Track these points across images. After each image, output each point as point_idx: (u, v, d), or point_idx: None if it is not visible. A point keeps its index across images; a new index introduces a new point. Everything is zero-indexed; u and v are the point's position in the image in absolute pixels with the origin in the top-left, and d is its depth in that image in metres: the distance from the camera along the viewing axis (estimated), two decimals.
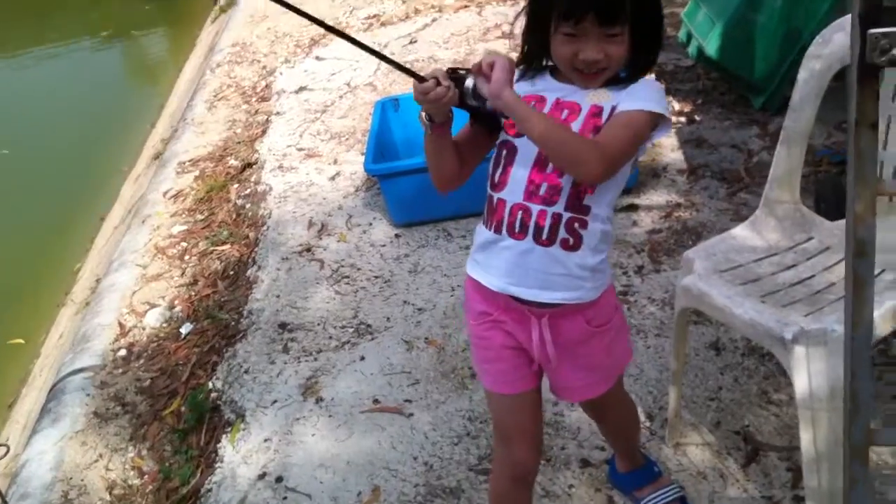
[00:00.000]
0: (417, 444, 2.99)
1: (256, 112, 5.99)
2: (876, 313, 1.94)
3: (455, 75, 1.93)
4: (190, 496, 3.00)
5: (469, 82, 1.91)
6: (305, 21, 1.98)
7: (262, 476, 2.99)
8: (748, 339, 3.07)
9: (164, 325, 3.91)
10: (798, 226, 2.67)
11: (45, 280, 5.41)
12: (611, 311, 2.15)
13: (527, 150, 1.96)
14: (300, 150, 5.24)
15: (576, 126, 1.94)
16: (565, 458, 2.83)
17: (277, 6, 2.00)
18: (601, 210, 1.99)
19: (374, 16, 7.34)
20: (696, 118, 4.75)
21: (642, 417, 2.87)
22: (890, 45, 1.38)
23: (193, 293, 4.08)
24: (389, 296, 3.77)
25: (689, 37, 5.07)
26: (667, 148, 4.49)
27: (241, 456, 3.10)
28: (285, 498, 2.89)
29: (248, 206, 4.74)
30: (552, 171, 1.95)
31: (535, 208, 1.97)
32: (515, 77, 2.02)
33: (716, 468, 2.72)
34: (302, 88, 6.16)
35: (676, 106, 4.90)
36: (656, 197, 4.13)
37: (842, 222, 2.63)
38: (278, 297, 3.90)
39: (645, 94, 1.95)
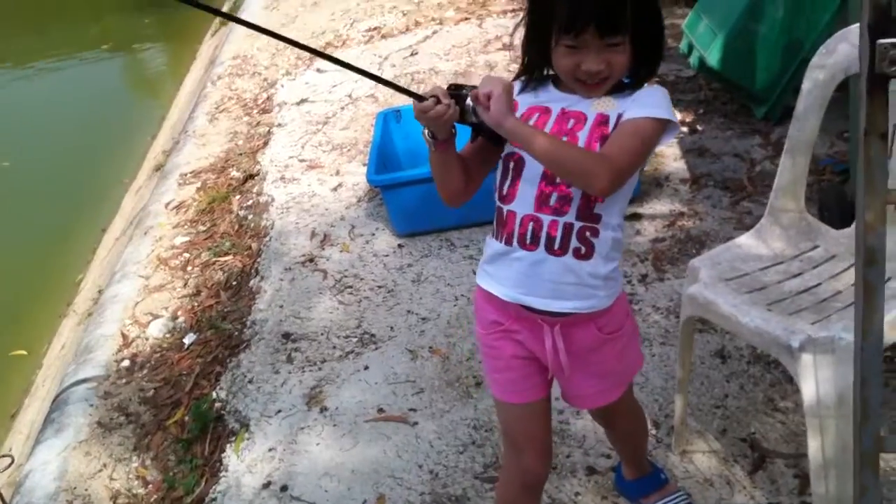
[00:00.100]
0: (422, 453, 2.99)
1: (258, 124, 6.00)
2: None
3: (455, 92, 1.92)
4: None
5: (470, 100, 1.91)
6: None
7: (266, 485, 2.99)
8: (753, 346, 3.08)
9: (168, 335, 3.91)
10: (803, 234, 2.67)
11: (46, 291, 5.41)
12: (623, 318, 2.15)
13: (534, 161, 1.95)
14: (302, 161, 5.24)
15: (582, 135, 1.94)
16: (571, 466, 2.82)
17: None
18: (612, 218, 1.99)
19: (375, 28, 7.35)
20: (699, 128, 4.76)
21: (648, 425, 2.86)
22: None
23: (196, 304, 4.08)
24: (393, 305, 3.77)
25: (691, 47, 5.08)
26: (669, 157, 4.50)
27: (245, 465, 3.09)
28: None
29: (250, 216, 4.75)
30: (562, 182, 1.94)
31: (547, 219, 1.96)
32: (518, 89, 2.03)
33: (722, 475, 2.71)
34: (303, 100, 6.17)
35: (679, 116, 4.91)
36: (659, 206, 4.14)
37: (847, 231, 2.63)
38: (281, 307, 3.89)
39: (651, 101, 1.95)
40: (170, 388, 3.57)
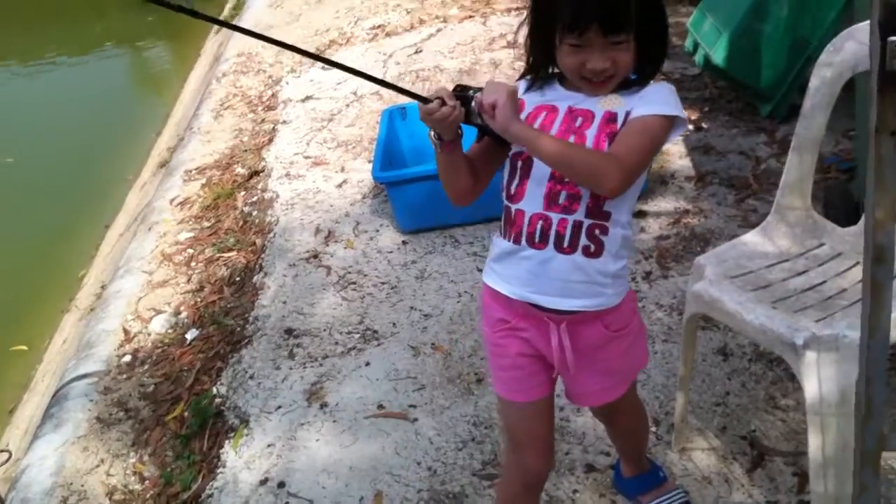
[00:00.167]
0: (421, 450, 2.98)
1: (263, 121, 5.99)
2: None
3: (461, 93, 1.91)
4: (191, 501, 2.98)
5: (474, 102, 1.90)
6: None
7: (264, 482, 2.97)
8: (756, 344, 3.07)
9: (170, 331, 3.90)
10: (809, 232, 2.65)
11: (48, 287, 5.40)
12: (629, 316, 2.14)
13: None
14: (307, 158, 5.23)
15: (591, 133, 1.92)
16: (570, 463, 2.80)
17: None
18: (621, 215, 1.98)
19: (379, 26, 7.34)
20: (704, 126, 4.74)
21: (649, 422, 2.85)
22: None
23: (199, 299, 4.07)
24: (396, 302, 3.76)
25: (696, 46, 5.06)
26: (675, 155, 4.49)
27: (243, 461, 3.08)
28: (287, 503, 2.87)
29: (254, 213, 4.74)
30: (570, 180, 1.93)
31: (556, 217, 1.95)
32: (523, 88, 2.03)
33: (721, 473, 2.70)
34: (308, 97, 6.16)
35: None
36: (664, 203, 4.12)
37: (853, 229, 2.62)
38: (284, 303, 3.88)
39: (659, 98, 1.94)
40: (170, 383, 3.56)
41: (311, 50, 6.96)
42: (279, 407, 3.28)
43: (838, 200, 3.52)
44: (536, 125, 1.96)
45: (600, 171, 1.84)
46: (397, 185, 4.16)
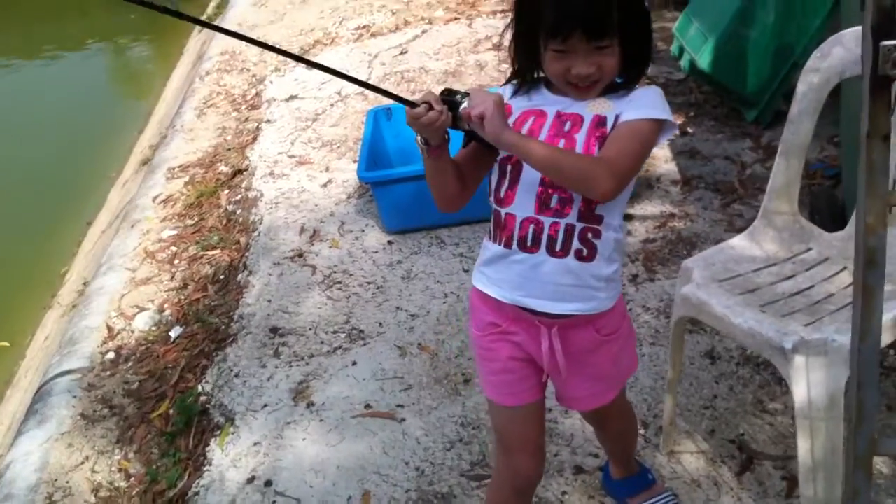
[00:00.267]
0: (409, 450, 2.97)
1: (247, 119, 5.97)
2: None
3: (448, 98, 1.90)
4: (177, 499, 2.96)
5: (461, 110, 1.88)
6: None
7: (250, 480, 2.96)
8: (743, 348, 3.08)
9: (153, 328, 3.88)
10: (796, 237, 2.67)
11: (30, 283, 5.37)
12: (620, 319, 2.14)
13: None
14: (291, 157, 5.22)
15: (580, 137, 1.92)
16: (559, 465, 2.81)
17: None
18: (613, 219, 1.97)
19: (364, 26, 7.33)
20: (689, 130, 4.77)
21: (638, 425, 2.85)
22: None
23: (183, 297, 4.05)
24: (382, 302, 3.75)
25: (681, 50, 5.09)
26: (660, 159, 4.50)
27: (230, 459, 3.06)
28: (274, 502, 2.86)
29: (238, 211, 4.72)
30: (562, 185, 1.93)
31: (547, 221, 1.95)
32: (510, 93, 2.02)
33: (710, 476, 2.71)
34: (292, 97, 6.15)
35: None
36: (650, 207, 4.13)
37: (840, 234, 2.64)
38: (270, 301, 3.87)
39: (647, 101, 1.94)
40: (155, 380, 3.54)
41: (295, 50, 6.95)
42: (265, 405, 3.27)
43: (824, 206, 3.55)
44: (525, 130, 1.96)
45: (592, 175, 1.84)
46: (383, 185, 4.15)
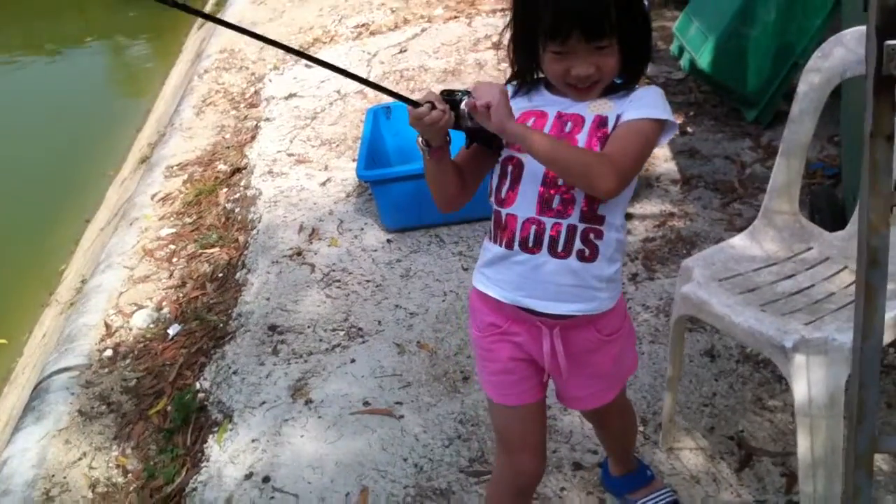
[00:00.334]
0: (407, 446, 2.97)
1: (245, 118, 5.96)
2: None
3: (449, 98, 1.89)
4: (174, 495, 2.96)
5: (465, 105, 1.87)
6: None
7: (248, 476, 2.96)
8: (743, 346, 3.08)
9: (152, 326, 3.87)
10: (797, 236, 2.66)
11: (28, 281, 5.36)
12: (621, 320, 2.13)
13: (534, 164, 1.92)
14: (290, 155, 5.21)
15: (581, 137, 1.91)
16: (557, 462, 2.80)
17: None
18: (615, 219, 1.97)
19: (364, 25, 7.32)
20: (689, 130, 4.76)
21: (638, 422, 2.85)
22: None
23: (181, 295, 4.05)
24: (381, 300, 3.75)
25: (681, 50, 5.09)
26: (660, 158, 4.50)
27: (227, 456, 3.06)
28: (272, 498, 2.86)
29: (237, 210, 4.71)
30: (563, 184, 1.92)
31: (549, 221, 1.94)
32: (510, 94, 2.00)
33: (709, 472, 2.70)
34: (291, 95, 6.14)
35: None
36: (650, 206, 4.13)
37: (840, 233, 2.64)
38: (268, 299, 3.86)
39: (649, 101, 1.93)
40: (153, 378, 3.53)
41: (294, 47, 6.93)
42: (263, 402, 3.26)
43: (824, 205, 3.54)
44: None
45: (595, 171, 1.83)
46: (382, 183, 4.14)
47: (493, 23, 6.86)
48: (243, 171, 5.15)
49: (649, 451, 2.79)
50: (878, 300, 1.61)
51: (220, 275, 4.15)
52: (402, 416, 3.09)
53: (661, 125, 1.93)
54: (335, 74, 2.00)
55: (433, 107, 1.85)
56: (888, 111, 1.46)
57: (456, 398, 3.13)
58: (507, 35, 1.99)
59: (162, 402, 3.38)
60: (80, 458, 3.18)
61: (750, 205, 3.99)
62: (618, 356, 2.16)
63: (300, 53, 2.04)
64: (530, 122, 1.96)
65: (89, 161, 6.82)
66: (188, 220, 4.75)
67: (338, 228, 4.34)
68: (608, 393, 2.23)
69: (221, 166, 5.28)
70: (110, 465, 3.14)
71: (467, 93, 1.88)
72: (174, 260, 4.37)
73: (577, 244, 1.94)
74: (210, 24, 8.62)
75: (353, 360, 3.40)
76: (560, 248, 1.94)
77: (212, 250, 4.37)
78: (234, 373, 3.44)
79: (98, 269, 4.49)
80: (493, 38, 6.53)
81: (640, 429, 2.85)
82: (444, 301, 3.68)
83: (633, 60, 1.94)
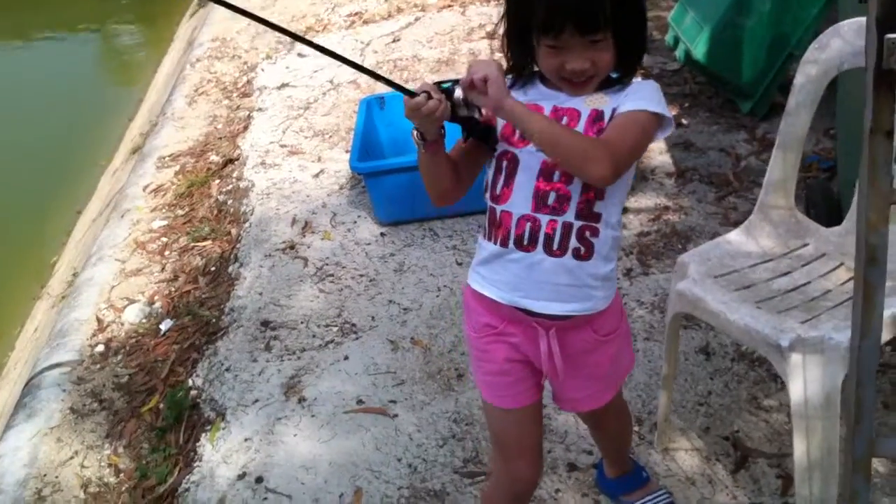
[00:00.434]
0: (402, 446, 2.95)
1: (238, 108, 5.93)
2: None
3: (443, 89, 1.86)
4: (167, 495, 2.94)
5: (458, 93, 1.84)
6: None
7: (241, 476, 2.94)
8: (738, 344, 3.06)
9: (144, 321, 3.85)
10: (793, 232, 2.64)
11: (19, 273, 5.33)
12: (618, 319, 2.11)
13: (530, 160, 1.90)
14: (283, 146, 5.18)
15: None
16: (552, 462, 2.78)
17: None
18: (612, 216, 1.94)
19: (357, 13, 7.28)
20: (684, 122, 4.73)
21: (633, 422, 2.83)
22: None
23: (174, 289, 4.02)
24: (374, 295, 3.72)
25: (677, 40, 5.06)
26: (655, 151, 4.47)
27: (220, 455, 3.04)
28: (265, 499, 2.84)
29: (230, 202, 4.68)
30: (559, 180, 1.89)
31: (544, 218, 1.91)
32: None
33: (704, 474, 2.69)
34: (284, 85, 6.09)
35: None
36: (645, 200, 4.10)
37: (837, 229, 2.61)
38: (261, 294, 3.84)
39: (645, 94, 1.91)
40: (145, 374, 3.51)
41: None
42: (256, 400, 3.24)
43: (820, 199, 3.52)
44: None
45: (591, 155, 1.79)
46: (375, 175, 4.12)
47: (488, 12, 6.82)
48: (236, 163, 5.11)
49: (644, 451, 2.78)
50: (877, 298, 1.59)
51: (213, 268, 4.13)
52: (396, 415, 3.08)
53: (657, 118, 1.90)
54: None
55: (429, 96, 1.82)
56: (888, 107, 1.44)
57: (450, 396, 3.11)
58: (502, 27, 1.96)
59: (154, 399, 3.36)
60: (72, 457, 3.16)
61: (745, 198, 3.97)
62: (615, 356, 2.14)
63: (311, 43, 2.01)
64: None
65: (81, 150, 6.78)
66: (180, 212, 4.72)
67: (331, 221, 4.31)
68: (605, 394, 2.21)
69: (214, 157, 5.25)
70: (102, 463, 3.12)
71: (457, 81, 1.86)
72: (166, 253, 4.34)
73: (573, 242, 1.92)
74: (202, 13, 8.58)
75: (346, 357, 3.38)
76: (555, 246, 1.92)
77: (204, 243, 4.34)
78: (227, 370, 3.42)
79: (90, 262, 4.46)
80: (487, 27, 6.49)
81: (636, 428, 2.83)
82: (437, 296, 3.65)
83: (629, 54, 1.91)
